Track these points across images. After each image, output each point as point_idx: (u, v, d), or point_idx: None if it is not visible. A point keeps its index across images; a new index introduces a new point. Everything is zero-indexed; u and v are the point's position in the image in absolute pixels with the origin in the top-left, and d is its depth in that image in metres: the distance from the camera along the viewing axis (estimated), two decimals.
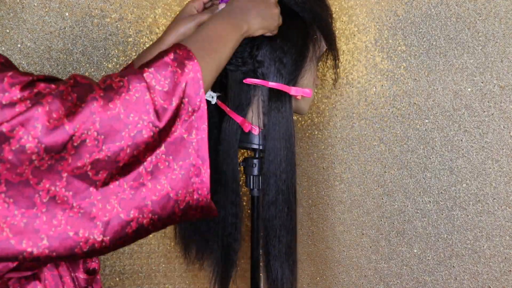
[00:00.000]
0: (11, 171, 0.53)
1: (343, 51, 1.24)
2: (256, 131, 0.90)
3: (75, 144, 0.55)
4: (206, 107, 0.64)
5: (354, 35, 1.22)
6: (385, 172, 1.19)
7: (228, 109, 0.90)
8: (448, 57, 1.06)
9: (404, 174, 1.15)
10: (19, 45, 1.07)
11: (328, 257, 1.34)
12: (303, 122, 1.36)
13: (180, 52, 0.64)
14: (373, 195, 1.22)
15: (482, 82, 1.02)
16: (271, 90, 0.88)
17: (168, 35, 0.87)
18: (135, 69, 0.61)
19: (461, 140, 1.06)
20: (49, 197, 0.55)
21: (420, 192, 1.13)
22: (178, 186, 0.62)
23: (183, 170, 0.62)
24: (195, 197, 0.64)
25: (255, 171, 0.93)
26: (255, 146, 0.91)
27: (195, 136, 0.63)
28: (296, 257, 0.94)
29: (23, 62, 1.08)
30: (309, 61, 0.91)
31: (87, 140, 0.56)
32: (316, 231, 1.36)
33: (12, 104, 0.53)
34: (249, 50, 0.87)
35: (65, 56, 1.12)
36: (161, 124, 0.60)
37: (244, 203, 1.44)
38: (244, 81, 0.88)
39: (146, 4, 1.26)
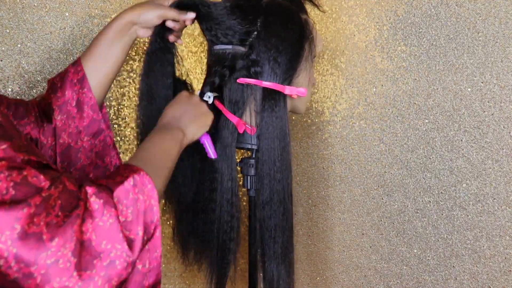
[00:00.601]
0: None
1: (343, 51, 1.24)
2: (252, 131, 0.90)
3: (48, 261, 0.50)
4: (160, 234, 0.61)
5: (354, 35, 1.22)
6: (385, 172, 1.19)
7: (224, 109, 0.90)
8: (448, 57, 1.06)
9: (404, 174, 1.15)
10: (19, 45, 1.07)
11: (328, 257, 1.34)
12: (303, 122, 1.36)
13: (138, 177, 0.61)
14: (373, 195, 1.22)
15: (482, 82, 1.02)
16: (265, 89, 0.88)
17: (125, 16, 0.82)
18: (107, 192, 0.58)
19: (461, 140, 1.06)
20: None
21: (420, 192, 1.13)
22: None
23: None
24: None
25: (252, 171, 0.93)
26: (252, 146, 0.91)
27: (148, 266, 0.60)
28: (292, 258, 0.93)
29: (23, 62, 1.08)
30: (305, 61, 0.90)
31: (60, 261, 0.51)
32: (316, 231, 1.36)
33: None
34: (243, 49, 0.87)
35: (65, 56, 1.12)
36: (134, 256, 0.56)
37: (245, 203, 1.44)
38: (237, 80, 0.88)
39: None
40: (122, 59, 0.85)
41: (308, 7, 0.96)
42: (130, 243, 0.57)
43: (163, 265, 1.37)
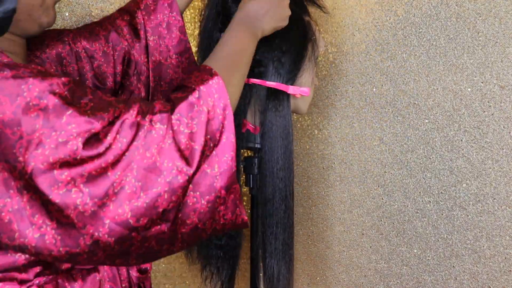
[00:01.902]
0: (59, 213, 0.56)
1: (343, 51, 1.25)
2: (256, 131, 0.91)
3: (116, 190, 0.57)
4: (227, 140, 0.64)
5: (354, 35, 1.22)
6: (385, 172, 1.19)
7: None
8: (448, 57, 1.06)
9: (404, 174, 1.15)
10: None
11: (328, 257, 1.34)
12: (303, 122, 1.36)
13: (204, 88, 0.64)
14: (373, 195, 1.22)
15: (482, 82, 1.02)
16: (269, 89, 0.89)
17: None
18: (167, 110, 0.62)
19: (461, 140, 1.06)
20: (92, 241, 0.57)
21: (420, 192, 1.13)
22: (205, 218, 0.63)
23: (210, 204, 0.63)
24: (221, 222, 0.65)
25: (255, 170, 0.94)
26: (255, 145, 0.92)
27: (217, 169, 0.64)
28: (292, 254, 0.95)
29: None
30: (308, 61, 0.92)
31: (126, 187, 0.57)
32: (316, 231, 1.36)
33: (65, 142, 0.56)
34: None
35: None
36: (192, 169, 0.61)
37: (244, 203, 1.44)
38: None
39: None
40: None
41: (309, 7, 0.97)
42: (190, 154, 0.61)
43: (163, 265, 1.37)
